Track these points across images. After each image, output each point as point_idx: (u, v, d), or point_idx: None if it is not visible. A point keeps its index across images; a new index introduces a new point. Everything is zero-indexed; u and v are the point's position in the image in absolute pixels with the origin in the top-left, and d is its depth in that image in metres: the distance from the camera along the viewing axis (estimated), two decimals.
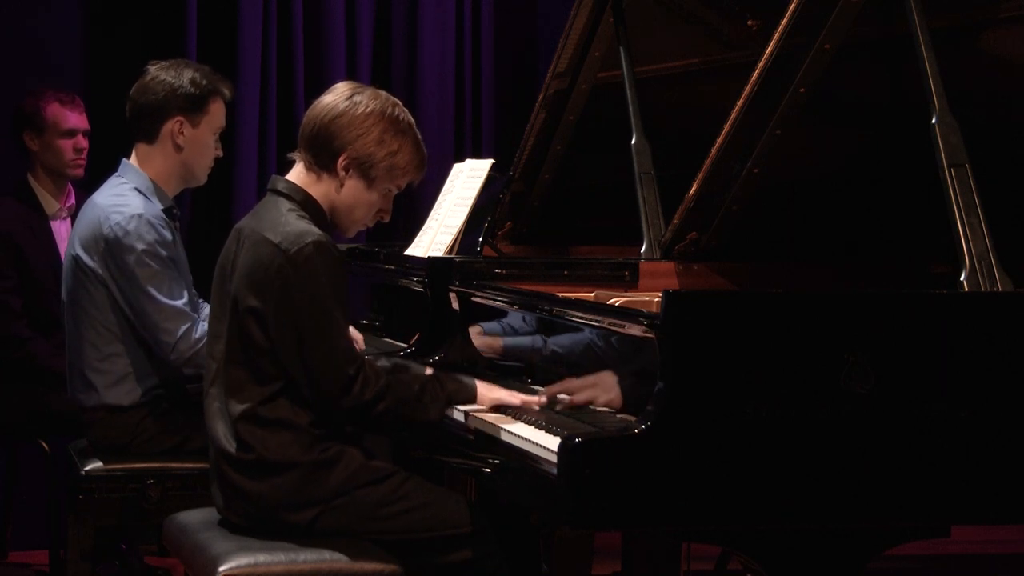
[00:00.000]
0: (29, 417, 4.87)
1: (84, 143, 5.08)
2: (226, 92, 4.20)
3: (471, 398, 3.30)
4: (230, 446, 3.24)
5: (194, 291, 4.16)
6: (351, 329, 4.06)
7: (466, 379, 3.34)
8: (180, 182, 4.22)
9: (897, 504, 2.83)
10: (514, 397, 3.29)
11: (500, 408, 3.29)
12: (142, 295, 3.98)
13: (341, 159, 3.29)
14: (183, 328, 3.98)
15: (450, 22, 6.18)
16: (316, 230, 3.23)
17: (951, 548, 4.58)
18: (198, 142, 4.14)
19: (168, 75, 4.13)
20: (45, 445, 4.89)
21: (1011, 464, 2.86)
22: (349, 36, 6.05)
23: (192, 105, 4.11)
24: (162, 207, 4.10)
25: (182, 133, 4.13)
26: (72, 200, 5.14)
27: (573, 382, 3.24)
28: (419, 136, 3.38)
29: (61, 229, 5.12)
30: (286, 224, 3.22)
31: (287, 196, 3.32)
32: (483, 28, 6.25)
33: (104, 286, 4.02)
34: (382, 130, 3.29)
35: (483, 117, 6.26)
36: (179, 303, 4.00)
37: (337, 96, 3.33)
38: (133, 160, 4.18)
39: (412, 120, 3.38)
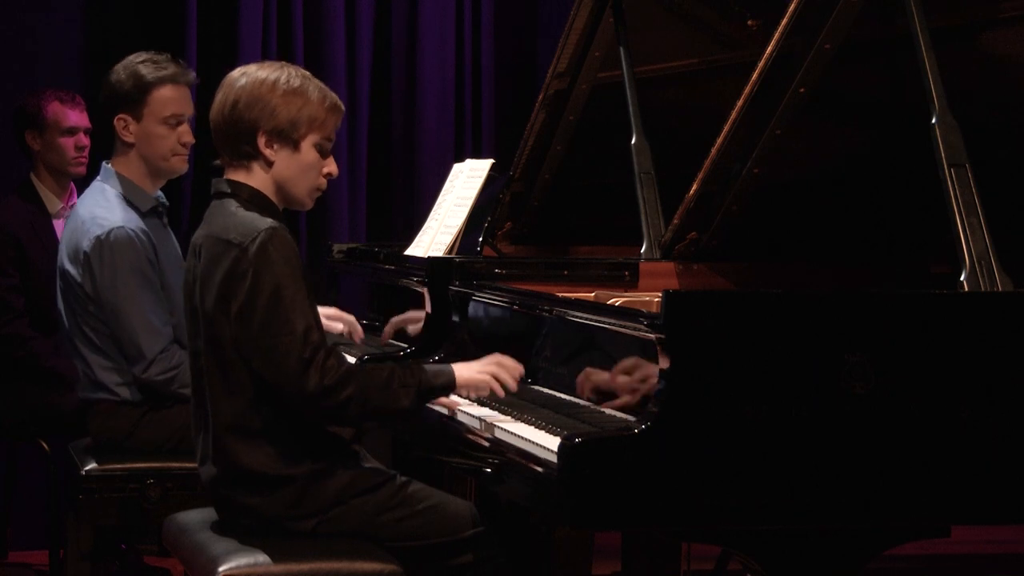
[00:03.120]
0: (29, 417, 4.87)
1: (85, 141, 5.09)
2: (178, 78, 4.18)
3: (448, 384, 3.22)
4: (219, 464, 3.20)
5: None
6: (343, 314, 4.07)
7: (443, 367, 3.26)
8: (153, 175, 4.22)
9: (897, 504, 2.82)
10: (495, 372, 3.24)
11: (500, 407, 3.29)
12: (121, 312, 4.00)
13: (260, 139, 3.22)
14: (159, 348, 4.00)
15: (450, 22, 6.19)
16: (267, 220, 3.17)
17: (951, 548, 4.58)
18: (145, 134, 4.15)
19: (115, 74, 4.16)
20: (45, 445, 4.89)
21: (1011, 464, 2.86)
22: (349, 36, 6.06)
23: (130, 100, 4.13)
24: (144, 209, 4.12)
25: (127, 129, 4.15)
26: (75, 199, 5.15)
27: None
28: (319, 83, 3.29)
29: (64, 228, 5.13)
30: (237, 221, 3.18)
31: (232, 195, 3.26)
32: (483, 28, 6.25)
33: (92, 301, 4.04)
34: (281, 94, 3.21)
35: (483, 117, 6.26)
36: (157, 322, 4.03)
37: (226, 88, 3.25)
38: (109, 163, 4.22)
39: (304, 72, 3.29)
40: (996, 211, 3.07)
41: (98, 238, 4.01)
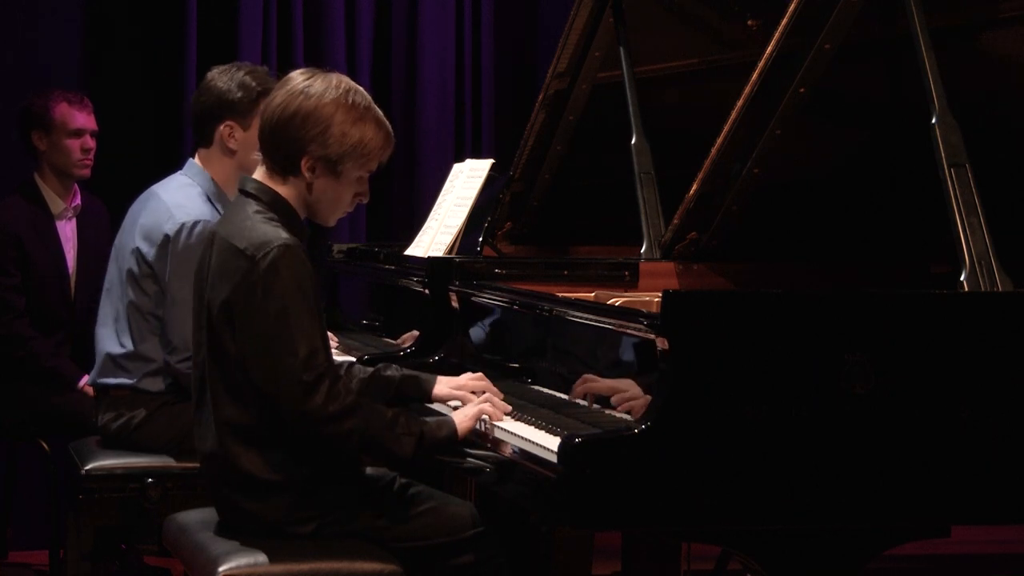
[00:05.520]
0: (29, 417, 4.88)
1: (91, 143, 5.10)
2: None
3: (451, 435, 3.17)
4: (221, 463, 3.20)
5: None
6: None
7: (443, 419, 3.20)
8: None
9: (897, 504, 2.82)
10: (491, 408, 3.20)
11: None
12: (180, 300, 4.00)
13: (304, 162, 3.17)
14: None
15: (450, 22, 6.19)
16: (283, 234, 3.12)
17: (951, 548, 4.58)
18: (250, 143, 4.14)
19: (221, 80, 4.18)
20: (45, 445, 4.90)
21: (1011, 464, 2.86)
22: (349, 36, 6.06)
23: (241, 109, 4.15)
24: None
25: (233, 136, 4.17)
26: (78, 200, 5.16)
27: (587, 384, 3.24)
28: (379, 114, 3.23)
29: (66, 229, 5.13)
30: (252, 229, 3.13)
31: (255, 197, 3.21)
32: (483, 28, 6.25)
33: (157, 283, 4.07)
34: (340, 122, 3.15)
35: (483, 117, 6.26)
36: None
37: (288, 93, 3.18)
38: (197, 161, 4.24)
39: (369, 100, 3.22)
40: (996, 211, 3.07)
41: (184, 224, 4.04)
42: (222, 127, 4.16)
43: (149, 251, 4.07)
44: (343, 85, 3.20)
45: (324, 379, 3.06)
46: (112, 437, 4.15)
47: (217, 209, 4.14)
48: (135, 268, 4.09)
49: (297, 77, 3.22)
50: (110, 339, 4.16)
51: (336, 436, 3.08)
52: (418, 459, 3.17)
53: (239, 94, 4.15)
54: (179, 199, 4.12)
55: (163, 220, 4.07)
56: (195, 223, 4.04)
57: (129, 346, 4.10)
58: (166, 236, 4.05)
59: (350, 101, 3.18)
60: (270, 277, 3.07)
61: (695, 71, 4.19)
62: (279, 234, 3.13)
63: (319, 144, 3.16)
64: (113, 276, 4.21)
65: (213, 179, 4.19)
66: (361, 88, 3.24)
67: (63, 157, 5.06)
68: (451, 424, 3.18)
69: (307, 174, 3.19)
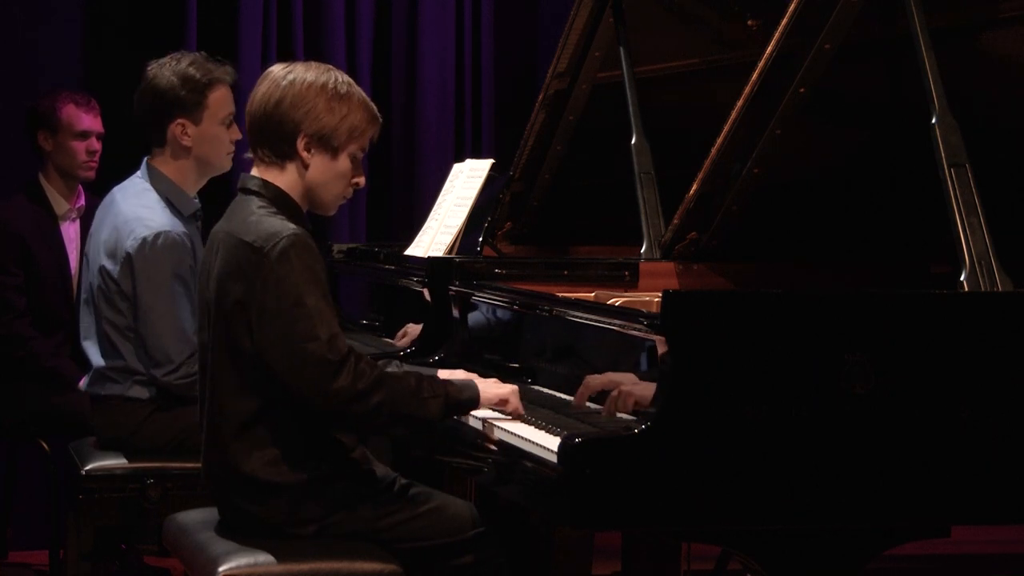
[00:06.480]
0: (29, 417, 4.88)
1: (97, 145, 5.10)
2: (226, 77, 4.16)
3: (473, 399, 3.20)
4: (221, 465, 3.20)
5: None
6: None
7: (467, 382, 3.24)
8: (200, 177, 4.20)
9: (897, 504, 2.83)
10: (515, 396, 3.23)
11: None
12: (156, 314, 3.98)
13: (300, 140, 3.21)
14: (187, 353, 3.98)
15: (450, 22, 6.19)
16: (290, 225, 3.15)
17: (951, 548, 4.58)
18: (205, 137, 4.12)
19: (162, 77, 4.11)
20: (45, 445, 4.90)
21: (1011, 464, 2.86)
22: (349, 36, 6.06)
23: (190, 104, 4.10)
24: (187, 214, 4.10)
25: (186, 134, 4.11)
26: (82, 201, 5.16)
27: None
28: (362, 93, 3.30)
29: (70, 230, 5.14)
30: (258, 223, 3.16)
31: (257, 194, 3.24)
32: (483, 28, 6.26)
33: (127, 300, 4.02)
34: (327, 99, 3.21)
35: (483, 117, 6.26)
36: (188, 328, 3.99)
37: (271, 84, 3.23)
38: (152, 163, 4.18)
39: (350, 81, 3.29)
40: (996, 211, 3.07)
41: (144, 240, 3.98)
42: (173, 126, 4.11)
43: (114, 269, 4.02)
44: (322, 69, 3.26)
45: (349, 358, 3.08)
46: (109, 442, 4.14)
47: (179, 211, 4.10)
48: (104, 286, 4.04)
49: (277, 69, 3.28)
50: (95, 353, 4.13)
51: (365, 413, 3.09)
52: (443, 421, 3.20)
53: (184, 91, 4.09)
54: (138, 210, 4.05)
55: (124, 236, 4.01)
56: (156, 235, 3.98)
57: (114, 360, 4.07)
58: (128, 255, 3.99)
59: (332, 82, 3.24)
60: (282, 267, 3.09)
61: (695, 71, 4.19)
62: (286, 225, 3.16)
63: (311, 120, 3.21)
64: (87, 288, 4.17)
65: (170, 179, 4.13)
66: (342, 72, 3.30)
67: (68, 158, 5.06)
68: (474, 387, 3.21)
69: (304, 154, 3.23)
